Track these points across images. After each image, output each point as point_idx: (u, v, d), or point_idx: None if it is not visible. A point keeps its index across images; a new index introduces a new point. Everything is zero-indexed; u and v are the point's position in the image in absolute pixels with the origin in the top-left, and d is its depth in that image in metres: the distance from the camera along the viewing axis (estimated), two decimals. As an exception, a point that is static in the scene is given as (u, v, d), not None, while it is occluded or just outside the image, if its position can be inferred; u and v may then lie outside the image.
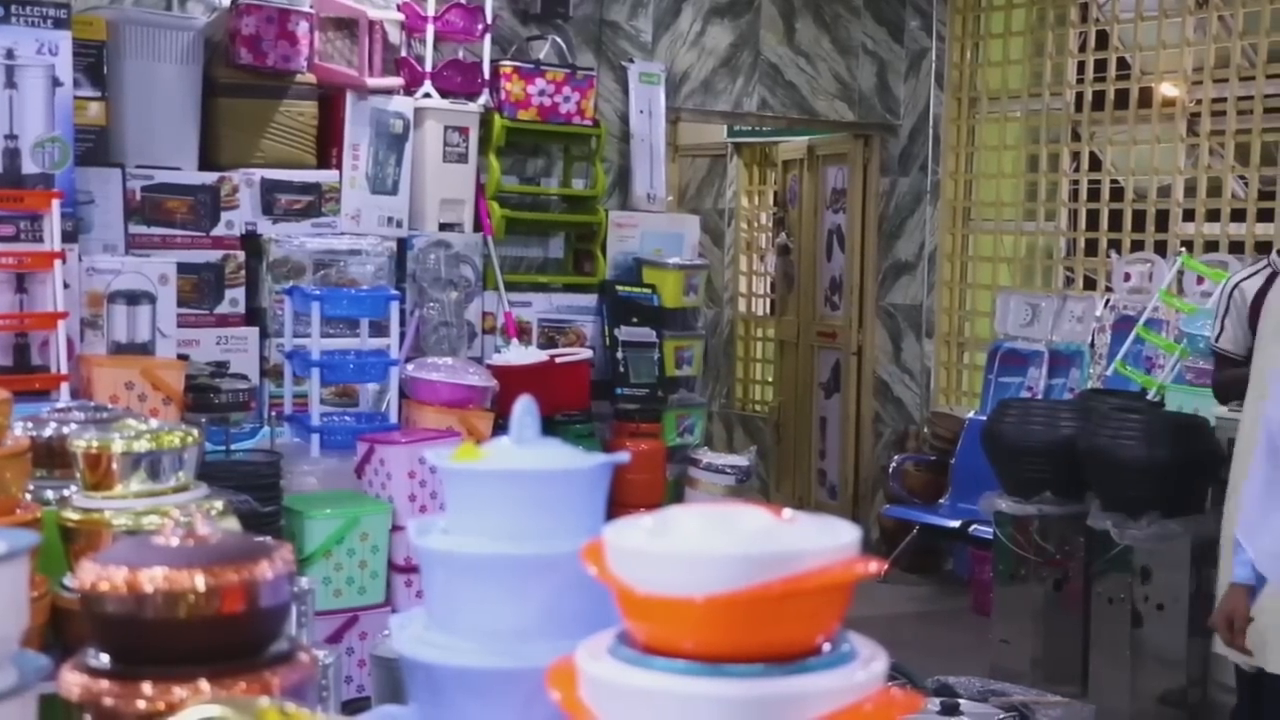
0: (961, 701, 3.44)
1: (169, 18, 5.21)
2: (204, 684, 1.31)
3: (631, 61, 6.53)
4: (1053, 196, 7.24)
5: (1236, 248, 6.36)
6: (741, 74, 6.96)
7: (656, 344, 6.09)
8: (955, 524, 6.43)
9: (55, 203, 4.34)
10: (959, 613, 6.37)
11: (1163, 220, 6.74)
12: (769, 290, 8.92)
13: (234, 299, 5.16)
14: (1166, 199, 6.75)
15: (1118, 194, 7.05)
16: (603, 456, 1.71)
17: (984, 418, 5.97)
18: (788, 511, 1.27)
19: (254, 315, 5.23)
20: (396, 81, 5.61)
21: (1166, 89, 6.77)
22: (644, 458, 5.55)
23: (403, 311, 5.33)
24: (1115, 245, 6.85)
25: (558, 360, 5.68)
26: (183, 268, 4.88)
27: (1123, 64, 6.97)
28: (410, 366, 5.07)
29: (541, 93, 5.99)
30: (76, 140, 4.54)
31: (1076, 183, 7.20)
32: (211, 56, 5.19)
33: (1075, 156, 7.18)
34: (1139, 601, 5.05)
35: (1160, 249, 6.59)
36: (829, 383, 7.98)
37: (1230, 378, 4.73)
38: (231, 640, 1.36)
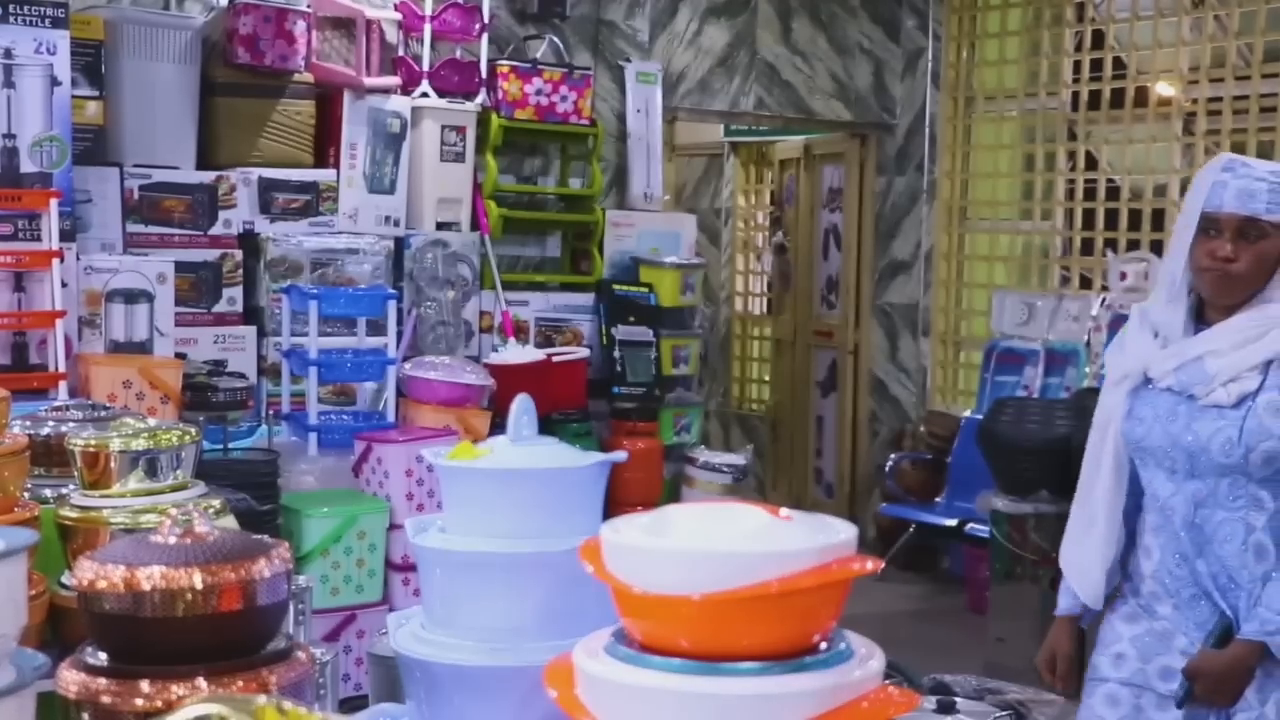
0: (957, 700, 3.45)
1: (167, 17, 5.21)
2: (201, 682, 1.32)
3: (628, 61, 6.53)
4: (1049, 196, 7.25)
5: (1232, 247, 6.36)
6: (738, 73, 6.96)
7: (653, 343, 6.09)
8: (951, 522, 6.44)
9: (53, 202, 4.34)
10: (955, 611, 6.38)
11: (1158, 219, 6.75)
12: (765, 289, 8.93)
13: (231, 298, 5.15)
14: (1162, 198, 6.76)
15: (1113, 193, 7.06)
16: (600, 455, 1.72)
17: (980, 416, 5.98)
18: (784, 510, 1.28)
19: (252, 314, 5.23)
20: (394, 81, 5.61)
21: (1162, 88, 6.78)
22: (641, 456, 5.56)
23: (400, 310, 5.33)
24: (1111, 244, 6.86)
25: (555, 359, 5.68)
26: (180, 266, 4.88)
27: (1119, 63, 6.98)
28: (408, 365, 5.07)
29: (539, 92, 5.99)
30: (74, 139, 4.53)
31: (1072, 182, 7.20)
32: (209, 56, 5.19)
33: (1071, 156, 7.19)
34: (1135, 600, 5.06)
35: (1156, 248, 6.59)
36: (825, 382, 7.98)
37: None
38: (229, 638, 1.36)
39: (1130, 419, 2.64)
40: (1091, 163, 7.20)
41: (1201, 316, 2.65)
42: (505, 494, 1.56)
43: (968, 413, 6.83)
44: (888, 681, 1.24)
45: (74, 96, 4.57)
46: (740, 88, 6.98)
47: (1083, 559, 2.80)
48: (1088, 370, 6.37)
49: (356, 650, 4.22)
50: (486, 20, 5.85)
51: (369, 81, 5.45)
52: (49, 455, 2.15)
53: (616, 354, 5.99)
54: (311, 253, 5.26)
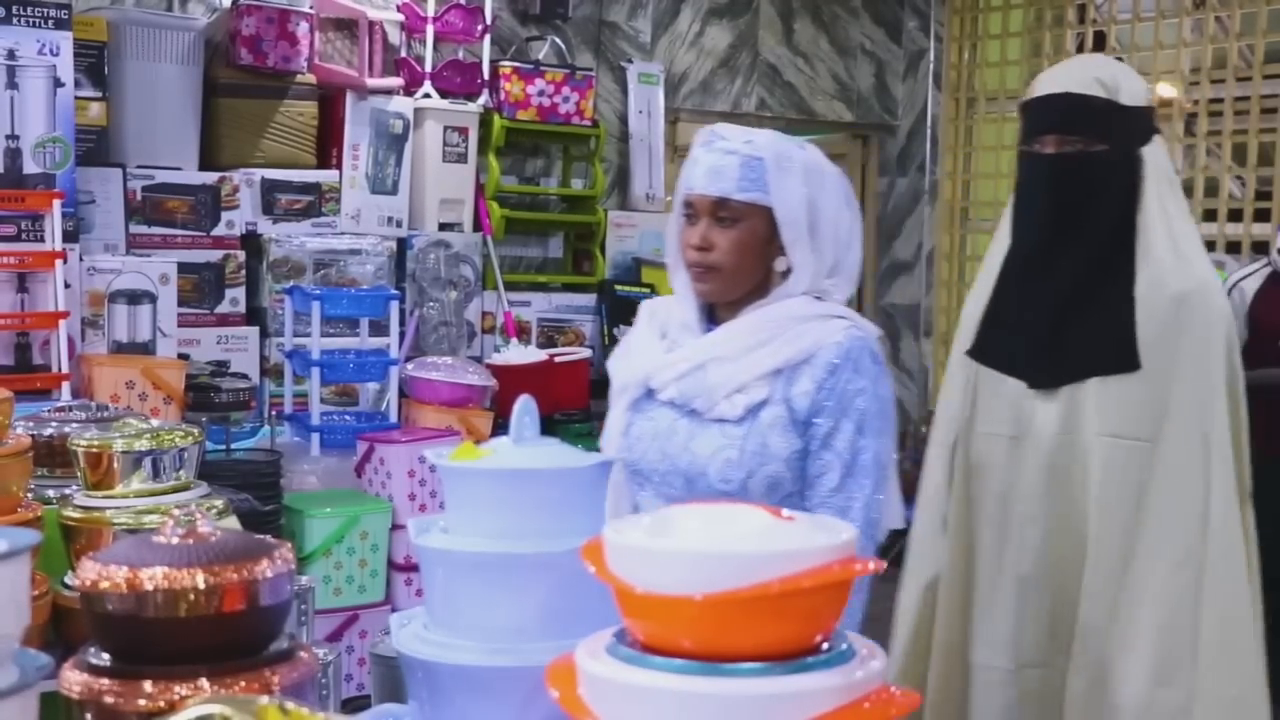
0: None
1: (170, 18, 5.21)
2: (204, 682, 1.32)
3: (630, 62, 6.54)
4: (1051, 196, 7.24)
5: (1233, 248, 6.37)
6: (740, 74, 6.97)
7: (655, 344, 6.08)
8: (954, 523, 6.42)
9: (56, 203, 4.34)
10: (957, 612, 6.36)
11: (1161, 220, 6.74)
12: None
13: (234, 298, 5.16)
14: (1165, 199, 6.75)
15: (1116, 194, 7.05)
16: (601, 455, 1.72)
17: (982, 417, 5.96)
18: (786, 511, 1.28)
19: (254, 315, 5.23)
20: (396, 82, 5.61)
21: (1163, 89, 6.78)
22: (643, 457, 5.54)
23: (402, 311, 5.33)
24: (1113, 245, 6.85)
25: (557, 360, 5.68)
26: (183, 267, 4.88)
27: (1121, 64, 6.97)
28: (410, 366, 5.07)
29: (541, 93, 5.99)
30: (77, 140, 4.54)
31: (1075, 183, 7.19)
32: (212, 57, 5.19)
33: (1074, 157, 7.17)
34: (1137, 601, 5.05)
35: (1158, 249, 6.59)
36: (828, 382, 7.98)
37: None
38: (232, 639, 1.36)
39: (627, 437, 2.28)
40: (1093, 163, 7.18)
41: (714, 316, 2.32)
42: (507, 494, 1.57)
43: (970, 413, 6.81)
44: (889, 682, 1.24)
45: (77, 98, 4.57)
46: (742, 89, 6.98)
47: None
48: (1090, 371, 6.36)
49: (359, 650, 4.22)
50: (489, 21, 5.85)
51: (371, 82, 5.46)
52: (52, 456, 2.15)
53: (618, 355, 5.98)
54: (314, 253, 5.26)
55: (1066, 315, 2.45)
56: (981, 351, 2.58)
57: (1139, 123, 2.45)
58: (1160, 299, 2.38)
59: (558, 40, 6.23)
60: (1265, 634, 4.67)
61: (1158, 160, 2.47)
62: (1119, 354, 2.38)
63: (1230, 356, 2.42)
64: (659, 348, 2.30)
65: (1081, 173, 2.43)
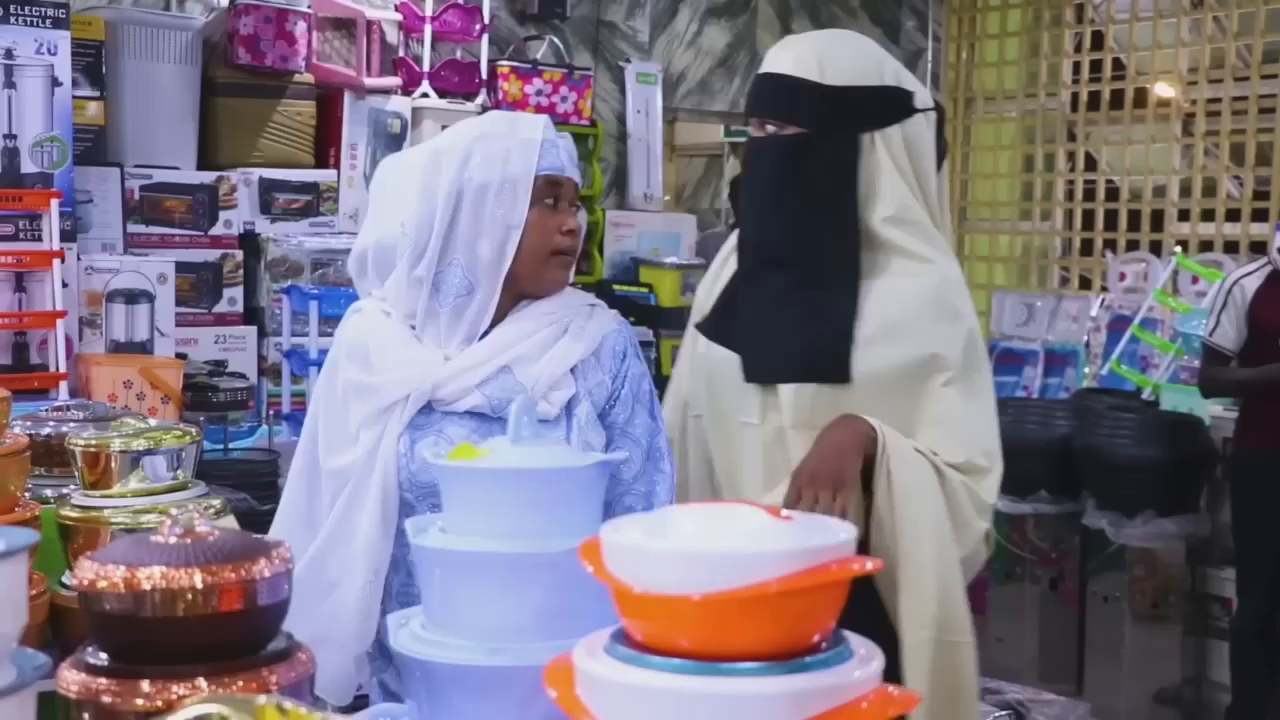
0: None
1: (167, 17, 5.21)
2: (202, 681, 1.32)
3: (628, 61, 6.54)
4: (1048, 196, 7.26)
5: (1231, 247, 6.38)
6: (738, 74, 6.96)
7: (654, 343, 6.09)
8: (951, 523, 6.42)
9: (54, 202, 4.34)
10: (955, 612, 6.36)
11: (1158, 220, 6.75)
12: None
13: (232, 298, 5.15)
14: (1162, 199, 6.77)
15: (1113, 194, 7.07)
16: (600, 455, 1.73)
17: (980, 417, 5.95)
18: (784, 510, 1.28)
19: (252, 314, 5.22)
20: (394, 81, 5.61)
21: (1162, 89, 6.78)
22: (641, 457, 5.55)
23: (400, 311, 5.32)
24: (1111, 245, 6.86)
25: (555, 359, 5.67)
26: (181, 267, 4.88)
27: (1118, 64, 6.98)
28: (407, 366, 5.06)
29: (539, 93, 5.99)
30: (75, 140, 4.53)
31: (1072, 183, 7.21)
32: (210, 56, 5.19)
33: (1071, 156, 7.19)
34: (1134, 600, 5.07)
35: (1155, 249, 6.60)
36: (826, 382, 7.98)
37: (1218, 373, 4.80)
38: (229, 638, 1.36)
39: (413, 460, 2.09)
40: (1091, 163, 7.20)
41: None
42: (505, 494, 1.57)
43: (968, 413, 6.80)
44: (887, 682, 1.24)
45: (75, 97, 4.57)
46: (740, 89, 6.98)
47: (335, 630, 2.14)
48: (1087, 371, 6.38)
49: (356, 650, 4.21)
50: (487, 21, 5.85)
51: (369, 82, 5.46)
52: (50, 455, 2.15)
53: (616, 354, 5.98)
54: (312, 253, 5.26)
55: (781, 312, 2.27)
56: (708, 329, 2.42)
57: (858, 105, 2.26)
58: (884, 303, 2.21)
59: (555, 40, 6.23)
60: (1261, 639, 4.63)
61: (901, 146, 2.27)
62: (830, 364, 2.21)
63: (972, 364, 2.26)
64: (431, 355, 2.13)
65: (780, 158, 2.26)
